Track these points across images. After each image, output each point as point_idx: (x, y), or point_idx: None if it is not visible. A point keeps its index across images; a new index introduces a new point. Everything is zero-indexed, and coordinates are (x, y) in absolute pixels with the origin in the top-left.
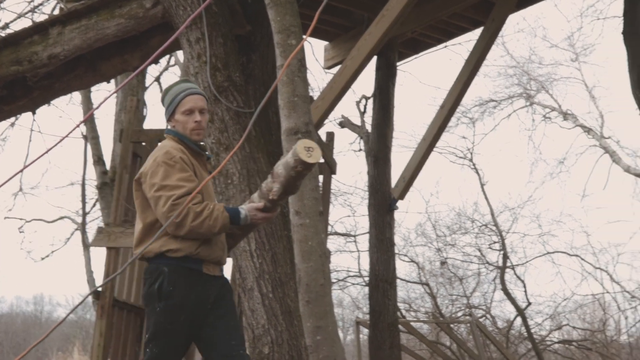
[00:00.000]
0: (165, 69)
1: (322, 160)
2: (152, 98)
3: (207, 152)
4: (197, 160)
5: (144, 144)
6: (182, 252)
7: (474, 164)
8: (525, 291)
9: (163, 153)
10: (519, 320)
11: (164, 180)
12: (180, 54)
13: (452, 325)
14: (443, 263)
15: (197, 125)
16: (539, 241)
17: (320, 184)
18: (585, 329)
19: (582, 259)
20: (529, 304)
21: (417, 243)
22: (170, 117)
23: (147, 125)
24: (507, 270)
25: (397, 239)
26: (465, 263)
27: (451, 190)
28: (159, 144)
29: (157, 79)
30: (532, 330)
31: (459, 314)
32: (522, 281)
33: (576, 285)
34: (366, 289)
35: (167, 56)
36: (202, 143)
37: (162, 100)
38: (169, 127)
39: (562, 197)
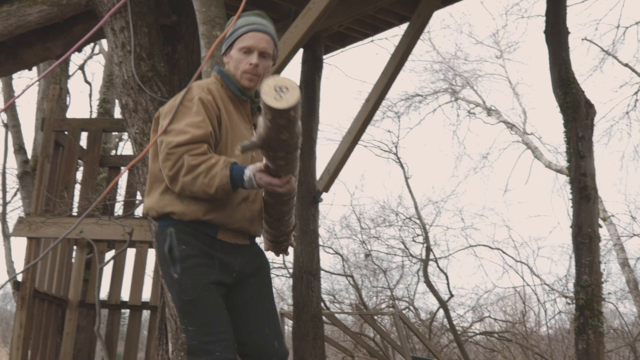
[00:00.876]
0: (89, 57)
1: (294, 102)
2: (75, 86)
3: (257, 100)
4: (234, 107)
5: (66, 132)
6: (188, 217)
7: (398, 158)
8: (448, 283)
9: (185, 92)
10: (441, 312)
11: (172, 124)
12: (104, 42)
13: (375, 317)
14: (367, 255)
15: (251, 68)
16: (462, 234)
17: None
18: (506, 320)
19: (504, 252)
20: (452, 296)
21: (341, 235)
22: (225, 51)
23: (70, 114)
24: (430, 262)
25: (322, 231)
26: (389, 255)
27: (376, 184)
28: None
29: (81, 68)
30: (455, 322)
31: (383, 305)
32: (445, 274)
33: (498, 278)
34: (290, 281)
35: (91, 44)
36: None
37: (225, 31)
38: (225, 62)
39: (484, 192)
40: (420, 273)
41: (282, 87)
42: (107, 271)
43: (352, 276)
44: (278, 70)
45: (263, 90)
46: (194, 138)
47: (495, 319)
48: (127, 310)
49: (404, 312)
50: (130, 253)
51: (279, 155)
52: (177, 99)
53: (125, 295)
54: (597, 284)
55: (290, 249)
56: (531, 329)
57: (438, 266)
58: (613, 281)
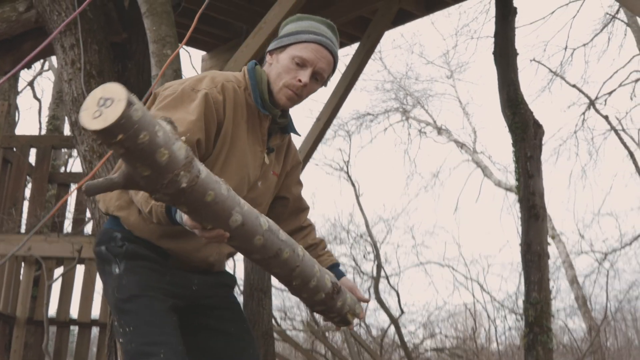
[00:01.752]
0: (39, 73)
1: (113, 120)
2: (25, 103)
3: (281, 120)
4: (248, 119)
5: (14, 149)
6: (139, 233)
7: (350, 176)
8: (399, 300)
9: (195, 80)
10: (392, 328)
11: (164, 109)
12: (54, 59)
13: (327, 334)
14: None
15: (298, 86)
16: (413, 252)
17: None
18: (457, 337)
19: (454, 270)
20: (402, 313)
21: None
22: (274, 50)
23: (19, 130)
24: (381, 280)
25: None
26: None
27: (327, 202)
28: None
29: (30, 84)
30: (406, 339)
31: None
32: (396, 291)
33: (448, 295)
34: (241, 298)
35: (41, 61)
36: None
37: (281, 27)
38: (266, 61)
39: (435, 210)
40: (372, 290)
41: (106, 99)
42: (56, 288)
43: None
44: None
45: (83, 106)
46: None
47: (446, 336)
48: (76, 327)
49: (355, 329)
50: (80, 270)
51: (165, 199)
52: (183, 83)
53: (74, 312)
54: (546, 301)
55: (241, 267)
56: (482, 345)
57: (389, 283)
58: (562, 298)
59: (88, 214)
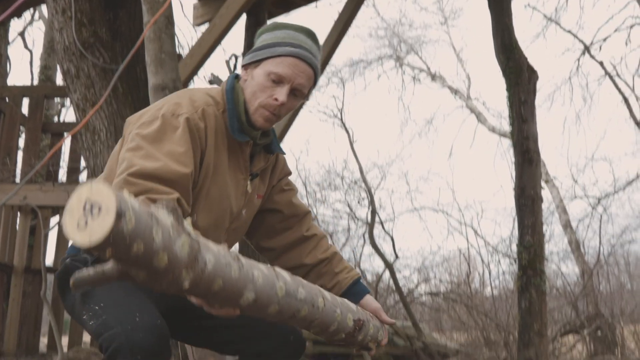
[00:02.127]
0: (29, 23)
1: (99, 239)
2: (16, 53)
3: (264, 141)
4: (228, 145)
5: (7, 100)
6: None
7: (343, 123)
8: (394, 246)
9: (172, 104)
10: (387, 273)
11: (146, 139)
12: (44, 8)
13: None
14: (313, 220)
15: (274, 106)
16: (407, 198)
17: None
18: (452, 281)
19: (448, 215)
20: (397, 258)
21: None
22: (248, 64)
23: (11, 81)
24: (376, 225)
25: None
26: (335, 219)
27: (321, 149)
28: (193, 87)
29: (21, 34)
30: (401, 284)
31: None
32: (391, 236)
33: (442, 240)
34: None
35: (32, 10)
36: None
37: (256, 37)
38: (241, 74)
39: (429, 156)
40: (366, 236)
41: (92, 205)
42: (52, 237)
43: None
44: (221, 36)
45: (68, 205)
46: (169, 174)
47: (440, 280)
48: None
49: None
50: None
51: (170, 291)
52: (160, 109)
53: None
54: (539, 245)
55: None
56: (476, 289)
57: (384, 229)
58: (556, 242)
59: (82, 163)
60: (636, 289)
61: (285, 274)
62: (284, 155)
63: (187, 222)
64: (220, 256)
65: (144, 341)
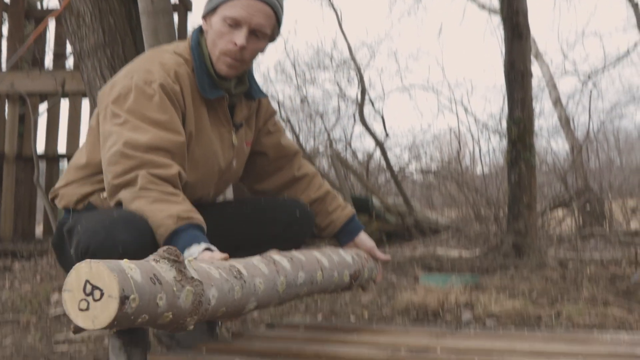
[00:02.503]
0: None
1: (103, 325)
2: None
3: (240, 89)
4: (204, 105)
5: None
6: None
7: (331, 2)
8: (384, 124)
9: (143, 71)
10: (378, 152)
11: (128, 112)
12: None
13: (314, 159)
14: (302, 100)
15: (234, 50)
16: (397, 76)
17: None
18: (442, 159)
19: (438, 93)
20: (387, 136)
21: (277, 80)
22: (205, 15)
23: None
24: (366, 104)
25: (257, 77)
26: (325, 99)
27: (310, 29)
28: (159, 47)
29: None
30: (392, 162)
31: (320, 148)
32: (381, 115)
33: (433, 118)
34: None
35: None
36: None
37: None
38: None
39: (419, 34)
40: (356, 115)
41: (94, 288)
42: (42, 124)
43: (289, 121)
44: None
45: (67, 283)
46: (157, 142)
47: (431, 158)
48: (65, 162)
49: (341, 153)
50: (64, 105)
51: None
52: (132, 78)
53: (62, 148)
54: (529, 119)
55: None
56: (466, 167)
57: (374, 108)
58: (546, 118)
59: (69, 49)
60: (625, 164)
61: (285, 263)
62: (267, 97)
63: (189, 262)
64: (223, 283)
65: (123, 234)
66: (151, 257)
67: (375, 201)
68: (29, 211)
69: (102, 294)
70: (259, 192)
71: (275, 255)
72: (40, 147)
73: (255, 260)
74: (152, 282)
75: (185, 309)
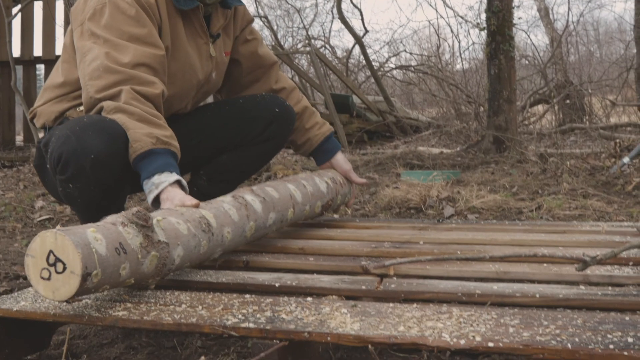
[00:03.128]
0: None
1: (66, 297)
2: None
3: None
4: (179, 17)
5: None
6: None
7: None
8: (362, 19)
9: None
10: (357, 48)
11: (106, 29)
12: None
13: (293, 57)
14: None
15: None
16: None
17: None
18: (422, 54)
19: None
20: (367, 31)
21: None
22: None
23: None
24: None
25: None
26: None
27: None
28: None
29: None
30: (371, 58)
31: (299, 45)
32: (359, 9)
33: (412, 12)
34: None
35: None
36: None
37: None
38: None
39: None
40: (334, 10)
41: (57, 260)
42: (17, 28)
43: (266, 17)
44: None
45: (30, 248)
46: (139, 58)
47: (410, 53)
48: (42, 65)
49: (320, 50)
50: (38, 7)
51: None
52: None
53: (37, 50)
54: (508, 9)
55: None
56: (446, 62)
57: (352, 2)
58: (525, 10)
59: None
60: (604, 56)
61: (257, 205)
62: (243, 5)
63: (157, 222)
64: (190, 239)
65: (94, 139)
66: (120, 219)
67: (356, 99)
68: (8, 117)
69: (64, 268)
70: None
71: (248, 195)
72: (16, 50)
73: (227, 204)
74: (116, 253)
75: (148, 273)
